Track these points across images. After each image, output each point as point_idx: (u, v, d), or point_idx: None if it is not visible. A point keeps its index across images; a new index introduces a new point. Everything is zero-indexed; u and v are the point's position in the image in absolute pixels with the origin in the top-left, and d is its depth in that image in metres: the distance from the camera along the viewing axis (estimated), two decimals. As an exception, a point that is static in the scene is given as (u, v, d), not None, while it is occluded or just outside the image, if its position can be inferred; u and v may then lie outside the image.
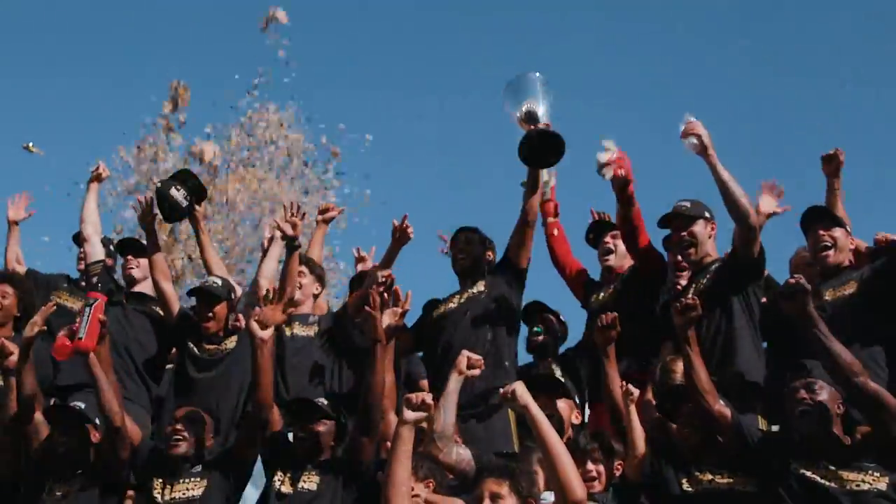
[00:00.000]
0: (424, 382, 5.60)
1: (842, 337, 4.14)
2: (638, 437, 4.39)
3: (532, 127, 4.95)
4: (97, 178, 6.45)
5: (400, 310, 4.76)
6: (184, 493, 4.79)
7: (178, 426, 4.90)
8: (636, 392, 4.49)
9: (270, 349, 4.79)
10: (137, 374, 5.76)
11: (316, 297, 5.90)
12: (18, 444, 5.10)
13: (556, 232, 5.70)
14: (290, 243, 5.60)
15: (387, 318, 4.72)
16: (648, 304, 5.11)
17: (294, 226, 5.59)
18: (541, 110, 4.97)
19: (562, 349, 5.73)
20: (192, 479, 4.83)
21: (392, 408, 4.76)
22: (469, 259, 5.42)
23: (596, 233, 5.68)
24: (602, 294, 5.43)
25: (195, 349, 5.59)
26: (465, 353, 4.57)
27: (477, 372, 4.55)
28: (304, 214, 5.78)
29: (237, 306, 5.72)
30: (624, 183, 4.92)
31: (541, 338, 5.59)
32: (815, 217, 5.08)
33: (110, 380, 4.89)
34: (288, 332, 5.61)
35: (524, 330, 5.59)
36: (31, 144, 7.49)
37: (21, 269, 6.46)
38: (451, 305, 5.35)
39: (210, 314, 5.49)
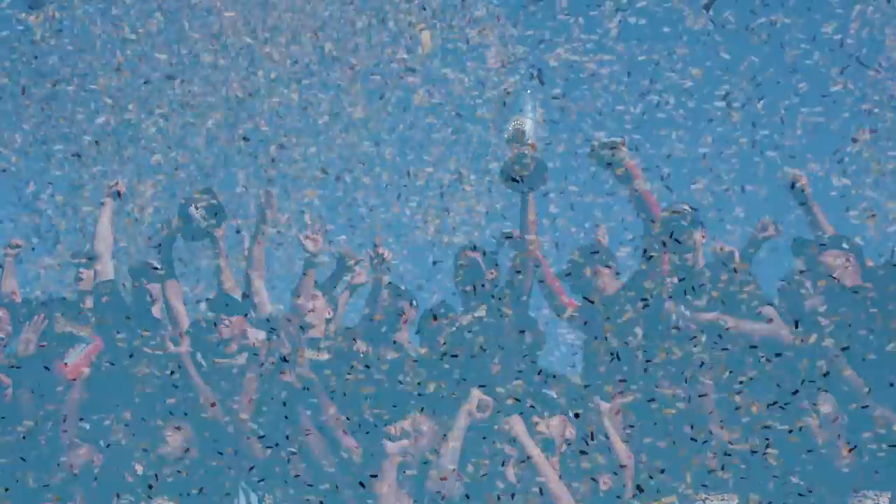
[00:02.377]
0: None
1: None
2: (620, 451, 4.38)
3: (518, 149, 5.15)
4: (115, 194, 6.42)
5: None
6: None
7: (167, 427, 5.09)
8: (605, 405, 4.48)
9: None
10: None
11: (329, 321, 5.82)
12: None
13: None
14: (309, 259, 5.58)
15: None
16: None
17: (315, 242, 5.57)
18: (528, 125, 5.19)
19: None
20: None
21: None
22: (468, 279, 5.37)
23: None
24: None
25: (203, 364, 5.54)
26: (476, 394, 4.59)
27: (486, 415, 4.58)
28: (326, 231, 5.80)
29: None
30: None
31: None
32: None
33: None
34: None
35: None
36: None
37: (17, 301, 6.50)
38: (451, 329, 5.30)
39: (225, 322, 5.47)
